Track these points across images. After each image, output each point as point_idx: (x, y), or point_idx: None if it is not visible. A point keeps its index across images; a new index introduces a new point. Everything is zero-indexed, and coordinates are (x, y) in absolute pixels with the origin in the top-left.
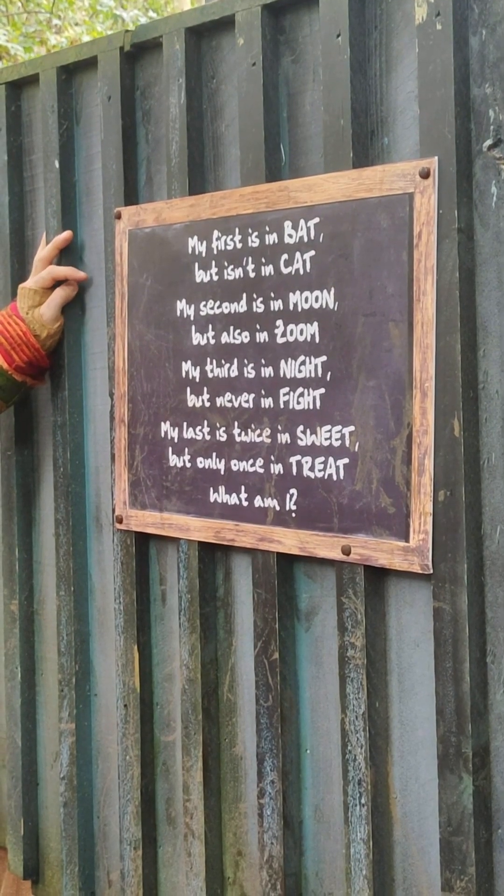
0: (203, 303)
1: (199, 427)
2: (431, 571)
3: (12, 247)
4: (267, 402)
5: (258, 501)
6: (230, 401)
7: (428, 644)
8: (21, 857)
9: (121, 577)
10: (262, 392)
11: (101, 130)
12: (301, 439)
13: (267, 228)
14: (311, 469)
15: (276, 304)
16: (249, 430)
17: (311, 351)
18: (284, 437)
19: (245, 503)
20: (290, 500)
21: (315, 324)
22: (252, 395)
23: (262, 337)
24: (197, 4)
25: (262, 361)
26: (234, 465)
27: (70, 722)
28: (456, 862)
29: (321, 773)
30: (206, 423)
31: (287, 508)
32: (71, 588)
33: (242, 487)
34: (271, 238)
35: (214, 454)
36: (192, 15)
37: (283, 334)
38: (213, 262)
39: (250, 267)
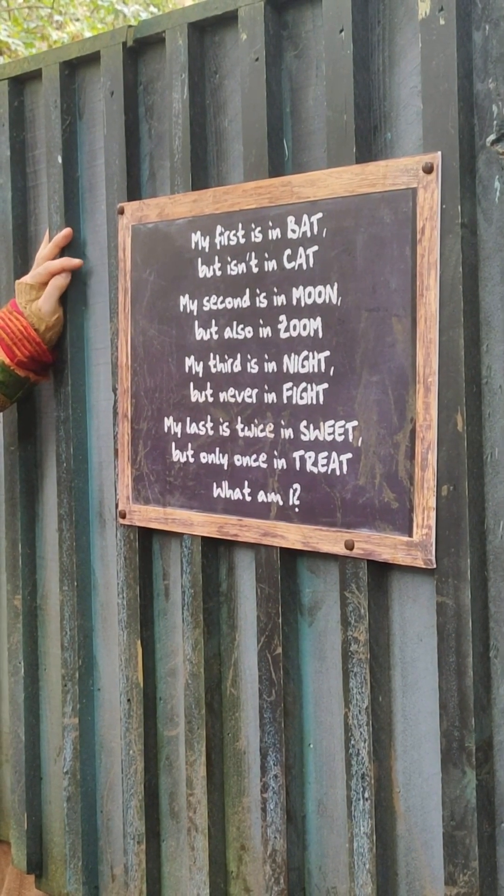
0: (206, 298)
1: (202, 422)
2: (435, 566)
3: (15, 242)
4: (270, 398)
5: (261, 496)
6: (233, 396)
7: (431, 639)
8: (24, 851)
9: (124, 572)
10: (266, 387)
11: (103, 126)
12: (304, 434)
13: (270, 223)
14: (315, 464)
15: (280, 300)
16: (252, 426)
17: (315, 346)
18: (287, 433)
19: (248, 498)
20: (294, 495)
21: (318, 319)
22: (255, 391)
23: (266, 332)
24: None
25: (266, 356)
26: (238, 460)
27: (73, 717)
28: (459, 856)
29: (324, 767)
30: (209, 418)
31: (290, 503)
32: (74, 583)
33: (246, 482)
34: (274, 233)
35: (217, 449)
36: (195, 10)
37: (287, 329)
38: (217, 258)
39: (253, 262)
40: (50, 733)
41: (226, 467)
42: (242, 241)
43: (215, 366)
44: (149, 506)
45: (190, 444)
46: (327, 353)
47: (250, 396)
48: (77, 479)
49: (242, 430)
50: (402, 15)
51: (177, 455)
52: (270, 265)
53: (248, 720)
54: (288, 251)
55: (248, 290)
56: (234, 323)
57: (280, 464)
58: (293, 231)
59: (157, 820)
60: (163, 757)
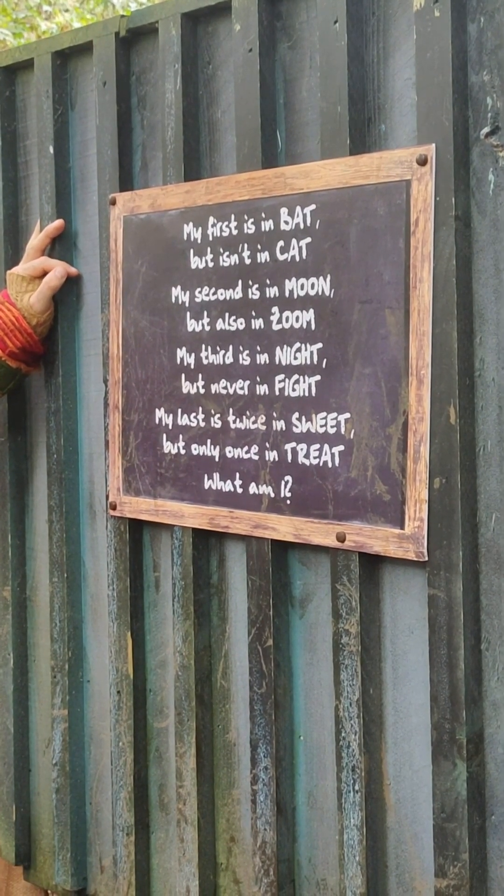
0: (198, 289)
1: (193, 414)
2: (426, 559)
3: (6, 233)
4: (262, 389)
5: (253, 488)
6: (225, 387)
7: (422, 631)
8: (13, 843)
9: (114, 564)
10: (258, 379)
11: (96, 116)
12: (296, 426)
13: (263, 215)
14: (307, 456)
15: (272, 291)
16: (244, 417)
17: (307, 338)
18: (279, 424)
19: (240, 490)
20: (285, 487)
21: (311, 311)
22: (247, 382)
23: (258, 324)
24: None
25: (258, 348)
26: (229, 451)
27: (63, 708)
28: (449, 848)
29: (315, 759)
30: (200, 409)
31: (282, 495)
32: (64, 575)
33: (237, 474)
34: (267, 225)
35: (209, 441)
36: (189, 0)
37: (279, 321)
38: (209, 249)
39: (246, 253)
40: (39, 725)
41: (217, 459)
42: (235, 232)
43: (207, 357)
44: (139, 497)
45: (181, 436)
46: (320, 344)
47: (242, 388)
48: (67, 471)
49: (234, 421)
50: (397, 6)
51: (168, 447)
52: (263, 257)
53: (239, 712)
54: (281, 243)
55: (240, 282)
56: (227, 314)
57: (272, 456)
58: (286, 222)
59: (146, 812)
60: (152, 749)
